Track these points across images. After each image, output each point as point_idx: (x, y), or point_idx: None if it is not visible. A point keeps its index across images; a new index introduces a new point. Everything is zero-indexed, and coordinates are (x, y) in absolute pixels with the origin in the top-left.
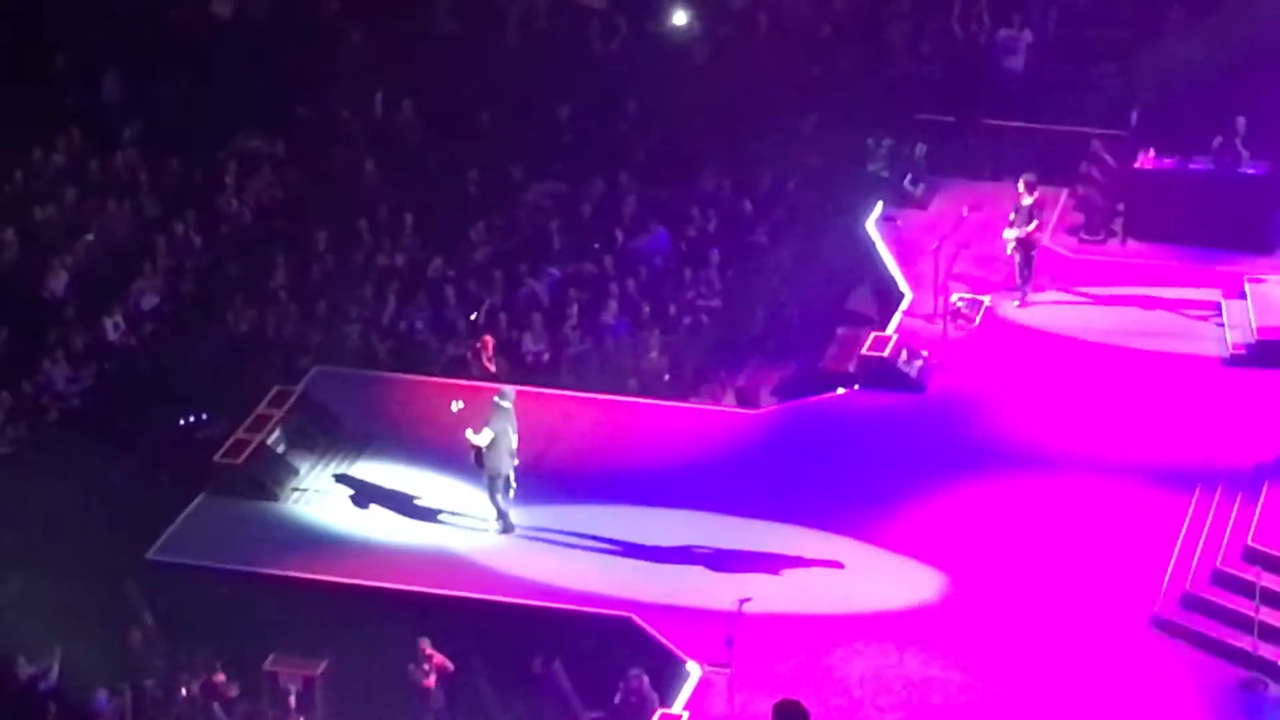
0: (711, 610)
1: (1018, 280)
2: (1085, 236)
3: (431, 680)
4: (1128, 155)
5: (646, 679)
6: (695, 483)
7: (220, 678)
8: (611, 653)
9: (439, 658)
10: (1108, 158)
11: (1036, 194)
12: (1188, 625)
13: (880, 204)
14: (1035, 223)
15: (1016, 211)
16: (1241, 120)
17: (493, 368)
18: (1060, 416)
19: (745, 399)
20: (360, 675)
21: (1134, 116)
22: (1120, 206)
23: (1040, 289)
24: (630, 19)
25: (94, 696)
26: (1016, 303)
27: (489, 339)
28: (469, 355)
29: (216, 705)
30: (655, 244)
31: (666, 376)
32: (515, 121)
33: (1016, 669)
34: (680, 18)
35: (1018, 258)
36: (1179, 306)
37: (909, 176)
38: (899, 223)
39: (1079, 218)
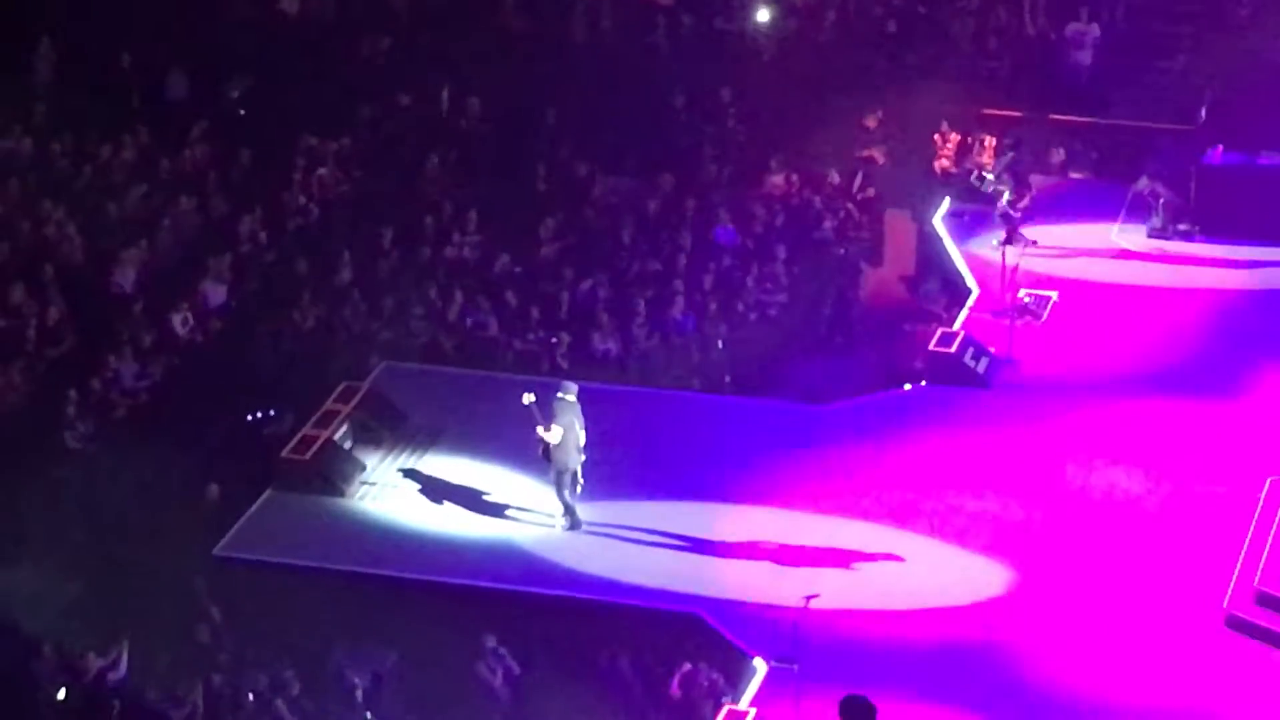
0: (779, 606)
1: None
2: (1153, 232)
3: (499, 677)
4: (1196, 150)
5: (716, 675)
6: (762, 478)
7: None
8: (678, 648)
9: (504, 654)
10: (1175, 153)
11: (1010, 155)
12: (1262, 624)
13: (947, 199)
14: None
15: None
16: None
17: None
18: (1127, 414)
19: (812, 394)
20: (427, 671)
21: (1202, 111)
22: (1188, 202)
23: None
24: (696, 15)
25: (164, 693)
26: (1019, 247)
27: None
28: None
29: (280, 701)
30: (724, 239)
31: (728, 378)
32: (581, 118)
33: (1086, 666)
34: (747, 14)
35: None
36: (1248, 301)
37: (975, 172)
38: (965, 218)
39: (1147, 213)
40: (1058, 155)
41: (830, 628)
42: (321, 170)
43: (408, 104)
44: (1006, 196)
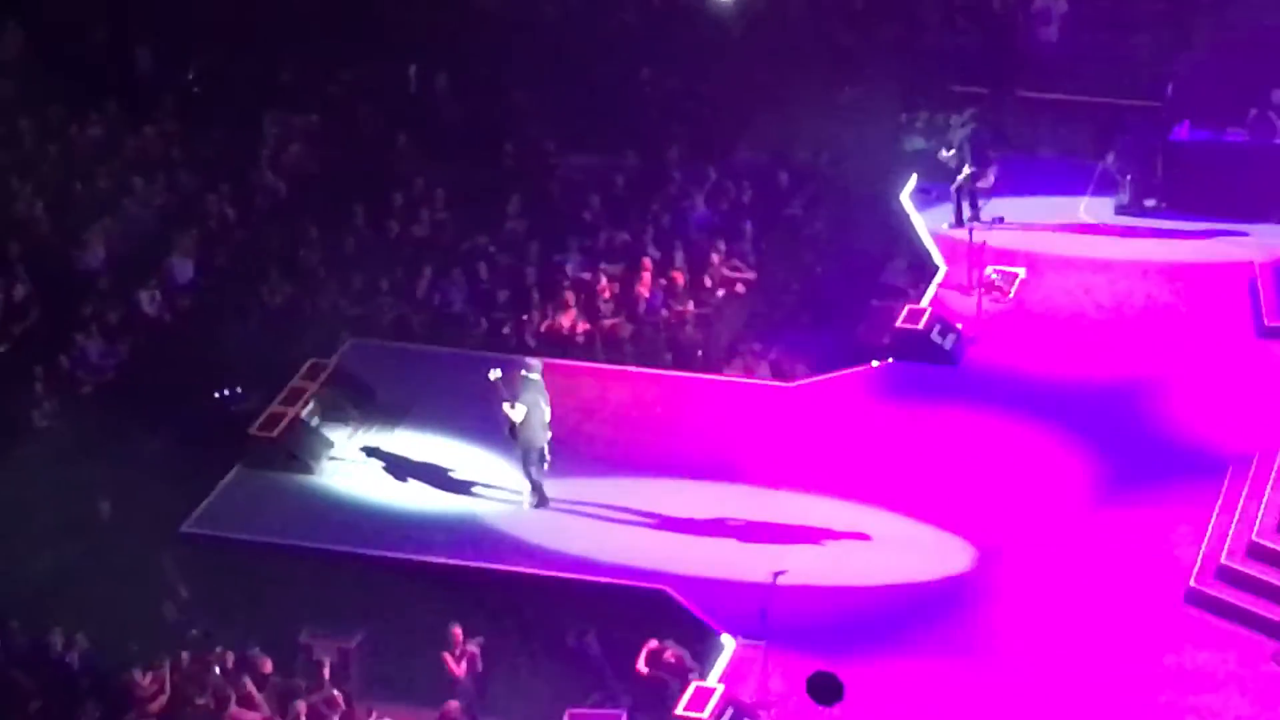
0: (746, 582)
1: (962, 211)
2: (1120, 208)
3: (462, 668)
4: (1163, 127)
5: (683, 651)
6: (730, 455)
7: (255, 650)
8: (646, 625)
9: (470, 646)
10: (1142, 129)
11: (968, 128)
12: (1222, 598)
13: (915, 176)
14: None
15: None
16: (1277, 92)
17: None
18: (1093, 389)
19: (779, 372)
20: (394, 648)
21: (1169, 88)
22: (1155, 179)
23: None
24: None
25: (131, 670)
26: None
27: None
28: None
29: (247, 679)
30: (697, 219)
31: (700, 352)
32: (549, 94)
33: (1050, 641)
34: None
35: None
36: (1214, 278)
37: (944, 148)
38: (934, 195)
39: (1113, 188)
40: None
41: (797, 604)
42: (289, 147)
43: (376, 80)
44: (966, 172)
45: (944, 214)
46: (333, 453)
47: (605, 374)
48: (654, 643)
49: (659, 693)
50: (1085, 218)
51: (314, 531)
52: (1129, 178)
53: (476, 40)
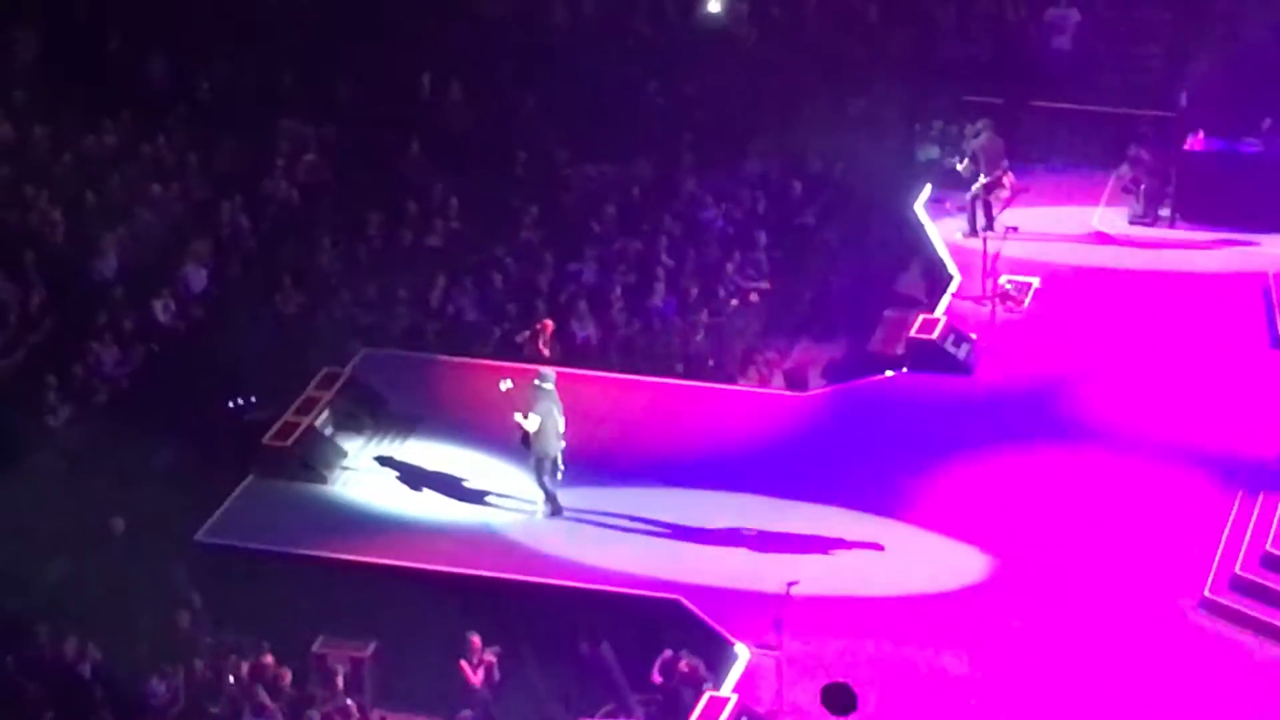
0: (760, 593)
1: (976, 221)
2: (1134, 219)
3: (479, 676)
4: (1176, 137)
5: (698, 661)
6: (743, 465)
7: (269, 659)
8: (659, 635)
9: (487, 655)
10: (1156, 139)
11: (982, 138)
12: (1237, 608)
13: (929, 186)
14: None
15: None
16: None
17: (547, 352)
18: (1108, 399)
19: (793, 381)
20: (408, 657)
21: (1183, 98)
22: (1169, 189)
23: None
24: (678, 0)
25: (144, 679)
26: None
27: (549, 323)
28: (526, 337)
29: (261, 688)
30: (711, 228)
31: (713, 361)
32: (562, 103)
33: (1064, 650)
34: (726, 1)
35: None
36: (1228, 288)
37: (958, 158)
38: (948, 205)
39: (1127, 200)
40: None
41: (811, 614)
42: (303, 155)
43: (389, 89)
44: (981, 181)
45: (957, 223)
46: (346, 462)
47: (619, 383)
48: (668, 652)
49: (673, 703)
50: (1099, 227)
51: (327, 540)
52: (1143, 188)
53: (489, 49)
